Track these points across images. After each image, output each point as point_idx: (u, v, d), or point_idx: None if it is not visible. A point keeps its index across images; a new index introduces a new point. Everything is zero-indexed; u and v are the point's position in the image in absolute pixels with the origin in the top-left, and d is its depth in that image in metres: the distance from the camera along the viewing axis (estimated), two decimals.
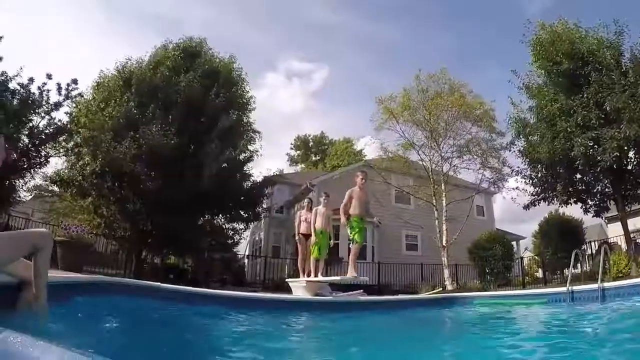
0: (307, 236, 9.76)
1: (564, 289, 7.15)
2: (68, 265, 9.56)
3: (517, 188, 17.33)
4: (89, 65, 64.97)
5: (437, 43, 68.92)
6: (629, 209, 14.82)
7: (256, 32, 75.84)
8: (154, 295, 5.51)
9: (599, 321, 5.67)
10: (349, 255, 9.10)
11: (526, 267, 20.65)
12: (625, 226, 14.06)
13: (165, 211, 15.23)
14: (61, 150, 15.72)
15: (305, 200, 10.72)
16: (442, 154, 20.35)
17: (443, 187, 19.76)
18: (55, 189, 17.29)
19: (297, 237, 10.08)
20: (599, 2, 48.23)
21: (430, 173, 20.26)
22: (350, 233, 8.23)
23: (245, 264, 24.90)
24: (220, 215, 19.10)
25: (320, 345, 4.49)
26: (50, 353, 0.92)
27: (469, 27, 69.98)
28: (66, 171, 15.78)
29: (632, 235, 14.70)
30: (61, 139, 15.45)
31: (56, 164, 16.42)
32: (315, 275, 9.10)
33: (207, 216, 18.53)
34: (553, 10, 49.24)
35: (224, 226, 19.60)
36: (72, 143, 15.62)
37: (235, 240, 20.42)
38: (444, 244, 18.80)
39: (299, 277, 9.90)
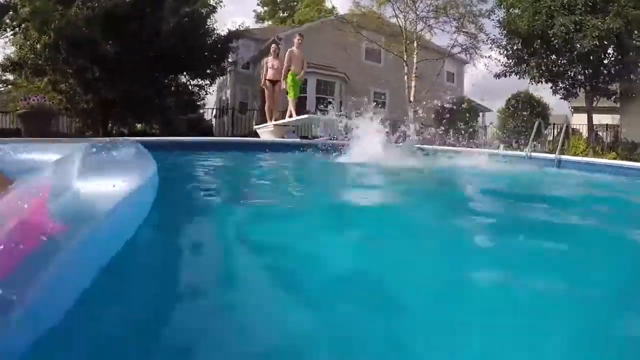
0: (274, 82, 10.05)
1: (522, 153, 7.63)
2: (32, 136, 9.21)
3: (489, 57, 17.18)
4: None
5: None
6: (596, 102, 15.08)
7: None
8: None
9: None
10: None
11: (489, 141, 21.19)
12: (589, 116, 14.51)
13: (127, 76, 14.48)
14: (8, 30, 14.21)
15: (272, 46, 10.84)
16: (418, 13, 19.45)
17: (415, 45, 19.25)
18: (9, 76, 16.04)
19: (263, 84, 10.17)
20: None
21: (403, 30, 19.53)
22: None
23: (214, 123, 24.69)
24: (185, 73, 18.40)
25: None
26: (45, 150, 0.95)
27: None
28: (16, 53, 14.58)
29: (594, 127, 15.30)
30: (6, 18, 13.90)
31: (4, 50, 15.11)
32: (291, 116, 9.71)
33: (170, 76, 17.81)
34: None
35: (188, 83, 19.01)
36: (17, 20, 14.04)
37: (201, 96, 19.99)
38: (411, 99, 18.91)
39: (266, 123, 10.26)
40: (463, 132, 17.07)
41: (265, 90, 10.15)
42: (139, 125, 20.37)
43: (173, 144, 6.94)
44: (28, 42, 14.06)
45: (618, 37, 12.15)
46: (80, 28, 13.26)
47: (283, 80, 9.72)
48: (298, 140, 8.63)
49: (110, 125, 16.64)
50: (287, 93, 9.84)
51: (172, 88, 17.75)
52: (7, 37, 14.77)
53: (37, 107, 9.65)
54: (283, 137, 9.13)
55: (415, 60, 19.00)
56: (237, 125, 20.69)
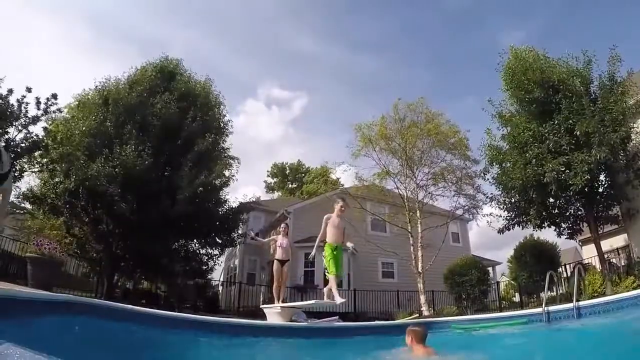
0: (282, 262, 9.76)
1: (540, 310, 7.19)
2: (38, 283, 9.21)
3: (491, 214, 17.59)
4: (70, 81, 64.74)
5: (416, 76, 71.11)
6: (601, 230, 15.01)
7: (239, 58, 77.07)
8: (122, 318, 5.32)
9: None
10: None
11: (502, 292, 20.78)
12: (598, 247, 14.27)
13: (139, 234, 14.92)
14: (36, 166, 15.40)
15: (282, 225, 10.65)
16: (417, 182, 20.53)
17: (418, 215, 19.82)
18: (28, 206, 16.82)
19: (271, 262, 10.14)
20: (568, 34, 51.02)
21: (405, 201, 20.35)
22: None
23: (220, 290, 24.40)
24: (195, 240, 18.71)
25: None
26: None
27: (448, 61, 72.56)
28: (39, 188, 15.35)
29: (606, 256, 14.92)
30: (37, 154, 15.14)
31: (29, 182, 16.11)
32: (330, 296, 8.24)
33: (181, 241, 18.11)
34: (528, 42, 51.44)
35: (198, 251, 19.23)
36: (46, 159, 15.21)
37: (210, 266, 20.04)
38: (419, 270, 18.76)
39: (274, 303, 9.71)
40: (474, 296, 17.09)
41: (274, 269, 9.88)
42: (145, 283, 20.15)
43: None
44: (52, 181, 14.78)
45: (605, 163, 12.61)
46: (102, 182, 14.11)
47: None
48: (305, 324, 8.05)
49: (116, 277, 16.51)
50: (325, 269, 8.21)
51: (182, 253, 17.90)
52: (34, 171, 15.54)
53: (48, 257, 9.79)
54: (291, 320, 8.59)
55: (419, 230, 19.45)
56: (244, 296, 20.34)
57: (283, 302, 9.53)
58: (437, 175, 20.60)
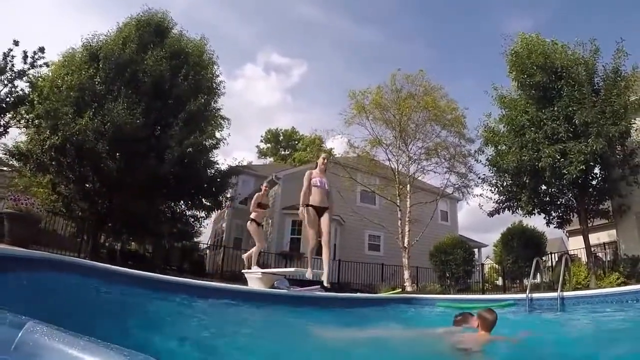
0: (318, 210, 6.70)
1: (523, 295, 7.15)
2: (15, 240, 9.01)
3: (481, 195, 17.52)
4: (59, 35, 62.54)
5: (418, 52, 69.76)
6: (591, 223, 15.03)
7: (240, 21, 74.78)
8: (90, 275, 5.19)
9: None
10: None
11: (486, 275, 20.99)
12: (586, 239, 14.31)
13: (126, 193, 14.74)
14: (21, 121, 15.00)
15: (322, 155, 7.48)
16: (410, 155, 20.35)
17: (408, 188, 19.74)
18: (15, 163, 16.53)
19: (301, 210, 6.75)
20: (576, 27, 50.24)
21: (396, 173, 20.20)
22: None
23: (207, 254, 24.43)
24: (182, 201, 18.56)
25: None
26: (74, 345, 0.89)
27: (452, 40, 71.27)
28: (25, 144, 15.01)
29: (592, 249, 15.01)
30: (22, 109, 14.72)
31: (15, 137, 15.74)
32: None
33: (168, 202, 17.94)
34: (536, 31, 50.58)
35: (184, 213, 19.09)
36: (32, 114, 14.78)
37: (196, 228, 19.94)
38: (405, 245, 18.79)
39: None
40: (458, 276, 17.23)
41: (304, 218, 6.79)
42: (133, 244, 20.15)
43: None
44: (38, 137, 14.40)
45: (601, 156, 12.49)
46: (89, 138, 13.76)
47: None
48: (286, 291, 6.90)
49: (103, 237, 16.45)
50: None
51: (168, 214, 17.75)
52: (20, 127, 15.26)
53: (25, 213, 9.58)
54: (273, 286, 7.66)
55: (408, 205, 19.34)
56: (229, 260, 20.33)
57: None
58: (430, 150, 20.42)
